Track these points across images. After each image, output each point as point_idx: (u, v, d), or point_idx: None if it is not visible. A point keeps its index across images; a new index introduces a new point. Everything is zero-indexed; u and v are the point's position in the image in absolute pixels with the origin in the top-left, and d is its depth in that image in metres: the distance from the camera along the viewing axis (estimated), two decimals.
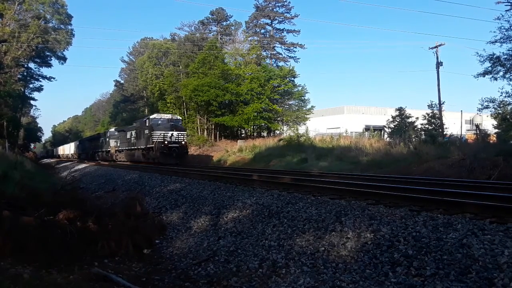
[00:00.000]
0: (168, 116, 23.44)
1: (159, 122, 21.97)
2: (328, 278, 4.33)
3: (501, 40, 20.39)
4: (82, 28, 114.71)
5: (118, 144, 29.34)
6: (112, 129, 33.74)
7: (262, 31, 49.19)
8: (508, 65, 20.37)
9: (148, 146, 21.52)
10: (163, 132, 20.95)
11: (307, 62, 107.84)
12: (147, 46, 52.44)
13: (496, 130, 22.41)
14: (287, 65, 44.89)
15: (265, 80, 36.77)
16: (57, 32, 37.99)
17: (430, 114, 27.14)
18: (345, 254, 4.72)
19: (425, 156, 14.75)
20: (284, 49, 48.92)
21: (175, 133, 21.22)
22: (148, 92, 52.09)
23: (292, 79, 40.82)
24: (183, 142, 21.59)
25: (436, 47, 26.86)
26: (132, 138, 25.48)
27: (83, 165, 29.67)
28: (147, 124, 22.23)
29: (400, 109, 29.40)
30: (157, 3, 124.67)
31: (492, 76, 20.78)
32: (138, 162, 23.73)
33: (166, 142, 20.50)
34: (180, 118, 25.02)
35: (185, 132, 23.14)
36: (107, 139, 32.38)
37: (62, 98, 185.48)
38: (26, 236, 5.65)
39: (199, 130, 40.29)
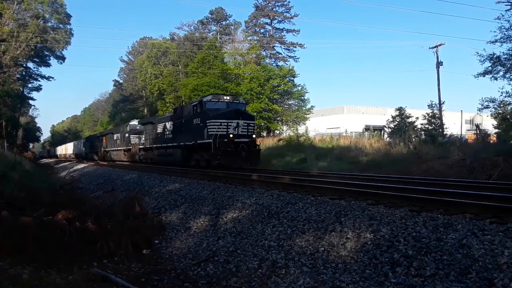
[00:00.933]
0: (227, 97, 16.53)
1: (216, 107, 15.52)
2: (328, 279, 4.32)
3: (501, 40, 20.43)
4: (81, 27, 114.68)
5: (143, 141, 23.38)
6: (134, 122, 27.92)
7: (262, 30, 49.21)
8: (508, 65, 20.39)
9: (199, 141, 15.15)
10: (225, 121, 14.53)
11: (306, 62, 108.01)
12: (146, 46, 52.48)
13: (496, 130, 22.42)
14: (287, 64, 44.92)
15: (264, 80, 36.78)
16: (56, 31, 37.99)
17: (430, 114, 27.17)
18: (345, 254, 4.71)
19: (425, 156, 14.77)
20: (284, 48, 48.96)
21: (241, 122, 14.78)
22: (147, 91, 52.11)
23: (292, 78, 40.84)
24: (253, 136, 15.42)
25: (436, 46, 26.90)
26: (167, 132, 18.89)
27: (82, 165, 29.63)
28: (198, 110, 15.77)
29: (400, 109, 29.41)
30: (156, 3, 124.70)
31: (492, 76, 20.82)
32: (178, 165, 17.25)
33: (231, 136, 14.25)
34: (244, 101, 17.86)
35: (255, 122, 16.51)
36: (126, 135, 26.31)
37: (61, 98, 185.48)
38: (25, 236, 5.65)
39: None
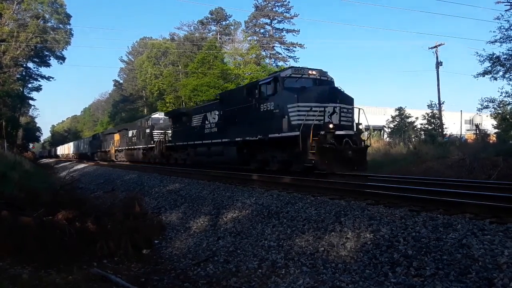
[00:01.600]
0: (313, 71, 11.28)
1: (300, 85, 10.72)
2: (327, 278, 4.32)
3: (501, 40, 20.38)
4: (81, 27, 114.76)
5: (170, 137, 19.15)
6: (157, 115, 23.81)
7: (262, 30, 49.33)
8: (508, 65, 20.37)
9: (272, 135, 10.75)
10: (318, 104, 9.96)
11: (306, 62, 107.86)
12: (146, 46, 52.46)
13: (496, 130, 22.45)
14: (287, 64, 44.95)
15: None
16: (56, 31, 37.99)
17: (430, 114, 27.20)
18: (345, 254, 4.71)
19: (424, 156, 14.79)
20: (284, 48, 49.13)
21: (340, 107, 10.28)
22: (147, 92, 52.11)
23: None
24: (360, 127, 11.03)
25: (435, 47, 26.92)
26: (209, 125, 14.76)
27: (82, 165, 29.64)
28: (270, 91, 11.08)
29: (399, 109, 29.46)
30: (156, 3, 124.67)
31: (492, 76, 20.78)
32: (229, 167, 14.25)
33: (331, 126, 9.77)
34: (332, 78, 11.80)
35: (354, 107, 11.11)
36: (147, 131, 22.27)
37: (61, 98, 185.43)
38: (25, 236, 5.66)
39: None
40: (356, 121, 10.98)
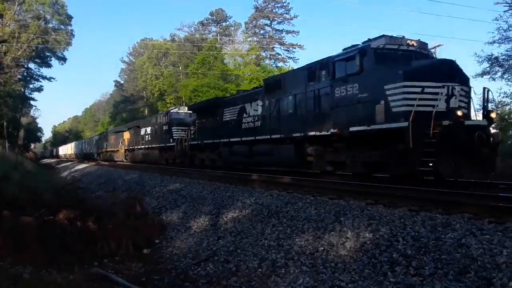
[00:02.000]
0: (413, 41, 8.66)
1: (396, 59, 8.24)
2: (327, 278, 4.34)
3: (500, 40, 20.44)
4: (82, 28, 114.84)
5: (193, 134, 17.04)
6: (176, 109, 21.20)
7: (262, 31, 49.39)
8: (506, 66, 20.42)
9: (358, 129, 8.33)
10: (434, 85, 7.39)
11: (306, 63, 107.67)
12: (147, 47, 52.48)
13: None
14: (286, 65, 45.00)
15: None
16: (57, 32, 38.05)
17: None
18: (344, 254, 4.73)
19: None
20: (283, 49, 49.10)
21: (461, 88, 7.79)
22: (148, 92, 52.18)
23: None
24: (493, 116, 8.40)
25: (434, 47, 26.90)
26: (249, 119, 12.82)
27: (83, 165, 29.68)
28: (353, 69, 8.51)
29: None
30: (157, 4, 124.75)
31: (491, 77, 20.85)
32: (283, 170, 12.16)
33: (459, 114, 7.03)
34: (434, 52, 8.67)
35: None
36: (165, 128, 19.96)
37: (62, 99, 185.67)
38: (26, 236, 5.68)
39: None
40: (478, 106, 8.46)
